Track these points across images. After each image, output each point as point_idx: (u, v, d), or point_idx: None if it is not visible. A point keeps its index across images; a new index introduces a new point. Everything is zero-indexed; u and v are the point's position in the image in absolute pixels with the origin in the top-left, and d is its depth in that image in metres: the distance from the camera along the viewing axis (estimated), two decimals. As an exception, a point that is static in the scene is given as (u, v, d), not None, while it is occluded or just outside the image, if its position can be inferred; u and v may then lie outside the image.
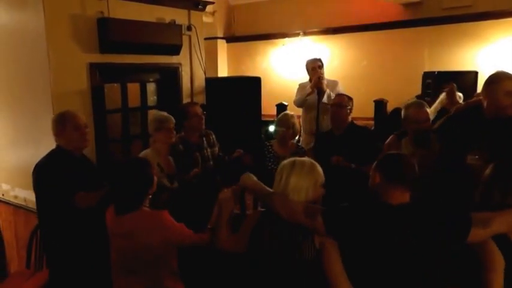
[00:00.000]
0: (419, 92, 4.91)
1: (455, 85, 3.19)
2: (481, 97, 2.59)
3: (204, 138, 3.46)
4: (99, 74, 3.57)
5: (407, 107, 2.82)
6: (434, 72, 4.76)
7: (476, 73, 4.65)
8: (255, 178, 1.99)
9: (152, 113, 3.28)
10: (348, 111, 3.33)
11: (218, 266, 2.73)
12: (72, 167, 2.57)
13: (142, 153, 3.06)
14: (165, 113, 3.22)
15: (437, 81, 4.47)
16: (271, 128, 4.68)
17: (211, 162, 3.43)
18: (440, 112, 3.17)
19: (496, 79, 2.49)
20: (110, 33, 3.52)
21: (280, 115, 3.54)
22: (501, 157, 1.96)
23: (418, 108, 2.76)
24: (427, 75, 4.84)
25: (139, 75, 4.12)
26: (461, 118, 2.68)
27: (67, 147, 2.62)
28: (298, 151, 3.38)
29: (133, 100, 4.11)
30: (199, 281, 2.62)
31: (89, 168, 2.73)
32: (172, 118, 3.16)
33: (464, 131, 2.53)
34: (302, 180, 1.85)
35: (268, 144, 3.45)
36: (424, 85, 4.81)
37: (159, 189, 2.29)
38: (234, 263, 2.11)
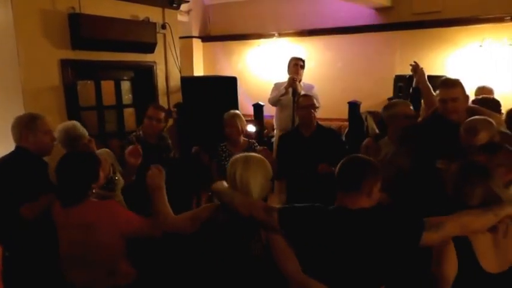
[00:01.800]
0: (391, 94, 5.03)
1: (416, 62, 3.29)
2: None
3: (160, 142, 3.41)
4: (72, 71, 3.50)
5: (394, 105, 2.90)
6: (406, 75, 4.88)
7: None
8: (226, 185, 1.99)
9: (62, 127, 2.76)
10: (316, 112, 3.36)
11: (169, 255, 2.72)
12: (34, 170, 2.40)
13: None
14: (74, 127, 2.77)
15: (408, 85, 4.59)
16: (249, 128, 4.68)
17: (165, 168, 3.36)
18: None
19: (438, 86, 2.67)
20: (82, 30, 3.46)
21: (224, 115, 3.46)
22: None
23: (406, 105, 2.88)
24: (398, 78, 4.95)
25: (113, 73, 4.06)
26: (427, 125, 2.79)
27: (31, 150, 2.44)
28: (251, 146, 3.39)
29: (109, 98, 4.04)
30: (150, 267, 2.60)
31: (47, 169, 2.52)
32: (85, 132, 2.79)
33: (431, 138, 2.62)
34: (257, 176, 1.90)
35: (222, 144, 3.43)
36: (396, 88, 4.93)
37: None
38: (185, 251, 2.11)
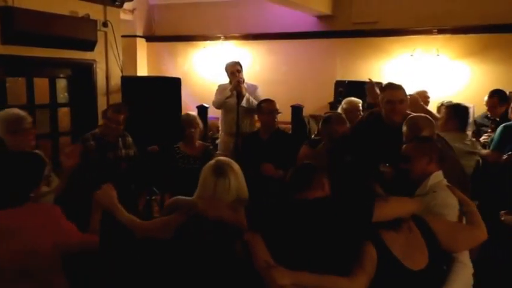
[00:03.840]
0: (332, 98, 5.23)
1: (371, 80, 3.47)
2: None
3: (120, 139, 3.37)
4: (1, 67, 3.32)
5: (329, 121, 2.95)
6: (345, 81, 5.11)
7: (381, 84, 5.06)
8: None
9: (3, 112, 2.72)
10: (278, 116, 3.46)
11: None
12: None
13: None
14: (17, 111, 2.69)
15: (347, 90, 4.80)
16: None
17: (125, 163, 3.33)
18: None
19: (383, 89, 2.80)
20: (15, 24, 3.29)
21: (182, 116, 3.51)
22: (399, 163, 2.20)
23: (342, 122, 2.94)
24: (339, 84, 5.17)
25: (48, 70, 3.88)
26: (364, 127, 2.90)
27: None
28: (206, 149, 3.44)
29: (42, 96, 3.84)
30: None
31: None
32: (28, 116, 2.69)
33: (369, 139, 2.72)
34: (239, 180, 1.96)
35: (175, 146, 3.42)
36: (337, 93, 5.14)
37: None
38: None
